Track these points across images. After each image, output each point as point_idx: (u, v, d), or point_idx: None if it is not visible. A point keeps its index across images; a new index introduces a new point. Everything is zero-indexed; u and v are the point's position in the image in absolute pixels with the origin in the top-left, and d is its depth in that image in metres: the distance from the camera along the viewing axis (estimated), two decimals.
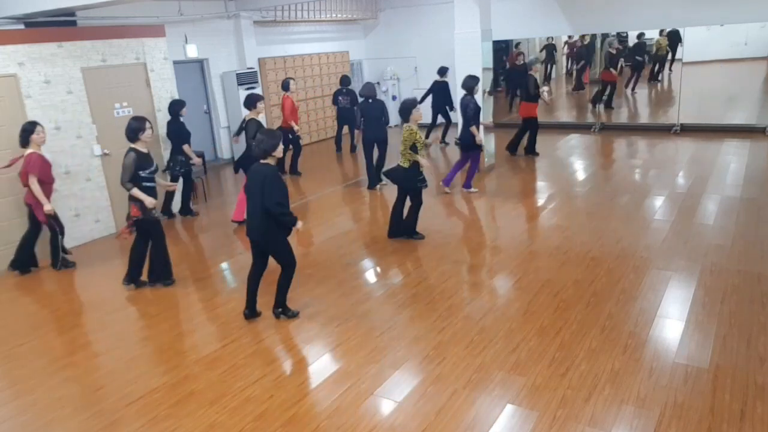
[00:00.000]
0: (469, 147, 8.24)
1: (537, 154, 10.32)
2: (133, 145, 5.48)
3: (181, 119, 7.95)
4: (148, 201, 5.47)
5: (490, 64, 9.62)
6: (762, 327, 4.31)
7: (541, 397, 3.71)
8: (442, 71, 11.33)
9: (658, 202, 7.35)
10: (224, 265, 6.45)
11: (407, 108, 6.42)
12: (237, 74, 11.07)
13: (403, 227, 6.68)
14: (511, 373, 3.98)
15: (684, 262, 5.51)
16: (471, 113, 8.04)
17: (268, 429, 3.62)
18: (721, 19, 10.72)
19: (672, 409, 3.49)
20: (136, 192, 5.44)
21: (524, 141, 10.42)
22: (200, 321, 5.15)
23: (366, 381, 4.02)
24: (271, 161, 4.65)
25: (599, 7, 11.51)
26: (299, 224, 4.68)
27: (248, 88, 11.20)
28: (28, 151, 6.11)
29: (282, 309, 5.00)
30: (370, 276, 5.85)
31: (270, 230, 4.66)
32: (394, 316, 4.92)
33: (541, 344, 4.31)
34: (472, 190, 8.40)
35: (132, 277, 5.88)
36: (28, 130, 6.13)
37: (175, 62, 9.46)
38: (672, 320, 4.53)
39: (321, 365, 4.29)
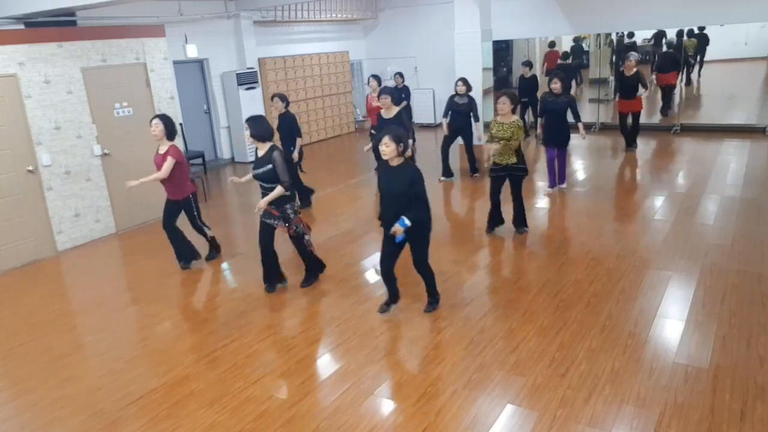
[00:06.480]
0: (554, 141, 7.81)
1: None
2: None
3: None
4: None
5: (491, 64, 9.62)
6: (762, 327, 4.31)
7: (541, 397, 3.71)
8: (529, 64, 11.31)
9: (658, 202, 7.35)
10: (224, 265, 6.45)
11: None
12: (237, 74, 11.07)
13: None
14: (511, 373, 3.98)
15: (684, 262, 5.51)
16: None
17: (268, 429, 3.62)
18: (721, 19, 10.72)
19: (672, 409, 3.49)
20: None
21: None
22: (200, 321, 5.15)
23: (366, 381, 4.02)
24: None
25: (599, 7, 11.51)
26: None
27: (248, 88, 11.23)
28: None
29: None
30: (370, 276, 5.85)
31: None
32: (394, 316, 4.92)
33: (541, 344, 4.31)
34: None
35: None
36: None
37: (175, 62, 9.49)
38: (672, 320, 4.53)
39: (321, 365, 4.30)
